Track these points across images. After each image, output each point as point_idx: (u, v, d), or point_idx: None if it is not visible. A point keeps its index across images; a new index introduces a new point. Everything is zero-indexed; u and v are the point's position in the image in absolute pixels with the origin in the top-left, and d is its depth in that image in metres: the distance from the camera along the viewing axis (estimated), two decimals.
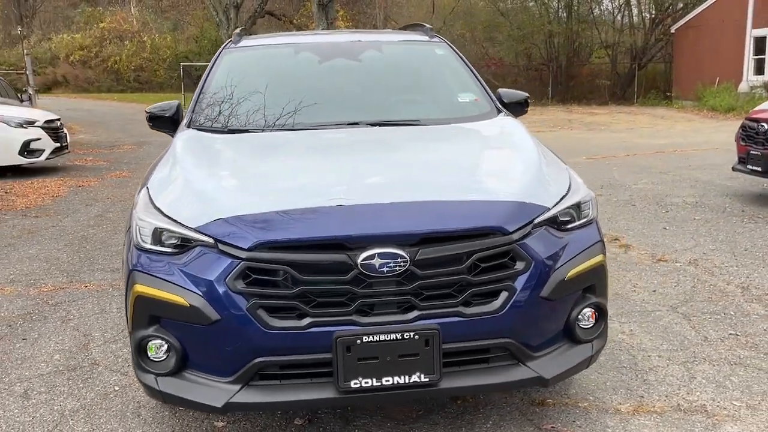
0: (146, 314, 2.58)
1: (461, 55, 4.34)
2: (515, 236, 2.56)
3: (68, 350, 3.97)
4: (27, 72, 23.28)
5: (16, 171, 11.21)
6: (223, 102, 3.84)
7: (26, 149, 10.82)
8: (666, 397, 3.25)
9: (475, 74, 4.15)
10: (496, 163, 3.09)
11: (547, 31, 30.39)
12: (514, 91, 4.26)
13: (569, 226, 2.78)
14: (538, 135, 13.77)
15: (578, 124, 20.14)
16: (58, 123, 11.67)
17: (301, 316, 2.45)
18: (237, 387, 2.50)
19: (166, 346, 2.57)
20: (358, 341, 2.43)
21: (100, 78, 45.33)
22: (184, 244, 2.58)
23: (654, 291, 4.76)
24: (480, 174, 2.95)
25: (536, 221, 2.66)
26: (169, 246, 2.60)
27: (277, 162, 3.17)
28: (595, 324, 2.82)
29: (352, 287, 2.44)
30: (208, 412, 2.53)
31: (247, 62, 4.20)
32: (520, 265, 2.56)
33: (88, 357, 3.87)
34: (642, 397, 3.25)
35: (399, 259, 2.43)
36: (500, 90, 4.19)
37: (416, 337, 2.45)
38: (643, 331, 4.04)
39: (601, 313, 2.82)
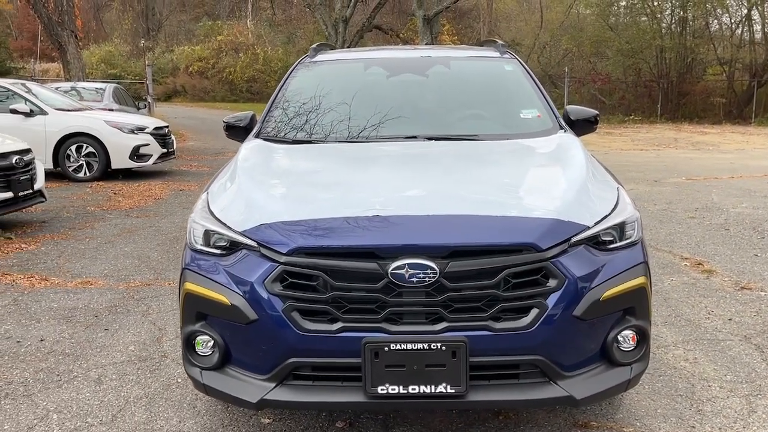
0: (194, 311, 2.76)
1: (530, 71, 4.34)
2: (548, 254, 2.56)
3: (143, 342, 4.25)
4: (147, 81, 24.77)
5: (127, 174, 12.00)
6: (290, 114, 4.02)
7: (136, 154, 11.55)
8: (719, 429, 3.12)
9: (541, 90, 4.14)
10: (542, 179, 3.08)
11: (658, 46, 29.40)
12: (582, 108, 4.22)
13: (611, 246, 2.75)
14: (640, 153, 13.64)
15: (685, 143, 19.36)
16: (166, 130, 12.39)
17: (333, 321, 2.55)
18: (272, 385, 2.62)
19: (211, 342, 2.74)
20: (386, 348, 2.50)
21: (215, 88, 47.62)
22: (232, 247, 2.73)
23: (730, 319, 4.56)
24: (522, 190, 2.95)
25: (574, 240, 2.65)
26: (217, 248, 2.77)
27: (327, 173, 3.30)
28: (635, 347, 2.76)
29: (382, 295, 2.52)
30: (244, 407, 2.67)
31: (319, 76, 4.36)
32: (552, 283, 2.56)
33: (159, 349, 4.13)
34: (693, 427, 3.14)
35: (428, 271, 2.49)
36: (568, 107, 4.16)
37: (443, 348, 2.50)
38: (709, 359, 3.89)
39: (642, 336, 2.77)
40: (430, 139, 3.65)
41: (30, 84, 12.64)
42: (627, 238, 2.80)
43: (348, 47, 24.61)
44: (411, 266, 2.48)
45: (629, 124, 27.86)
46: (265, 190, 3.03)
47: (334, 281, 2.53)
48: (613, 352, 2.71)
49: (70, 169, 11.42)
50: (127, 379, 3.70)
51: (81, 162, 11.42)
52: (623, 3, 32.82)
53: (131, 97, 19.13)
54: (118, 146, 11.44)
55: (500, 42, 4.80)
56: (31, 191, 7.41)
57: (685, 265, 5.97)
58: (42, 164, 8.03)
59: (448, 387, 2.53)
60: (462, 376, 2.52)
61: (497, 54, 4.58)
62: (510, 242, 2.56)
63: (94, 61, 45.10)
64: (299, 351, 2.57)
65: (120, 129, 11.49)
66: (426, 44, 29.45)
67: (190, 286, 2.76)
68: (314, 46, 4.80)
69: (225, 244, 2.76)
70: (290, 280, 2.57)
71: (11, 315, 4.79)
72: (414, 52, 4.68)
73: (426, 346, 2.50)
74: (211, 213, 2.89)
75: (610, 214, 2.80)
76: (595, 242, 2.71)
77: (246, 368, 2.70)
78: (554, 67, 33.38)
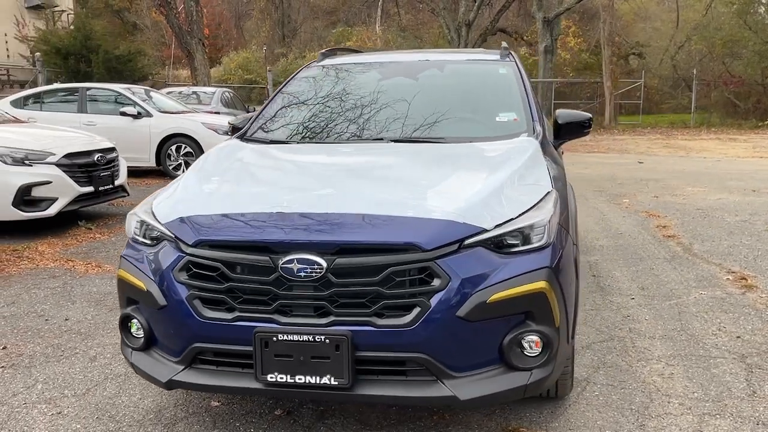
0: (125, 296, 3.03)
1: (524, 75, 4.30)
2: (433, 254, 2.60)
3: None
4: (268, 86, 25.99)
5: None
6: (277, 115, 4.23)
7: None
8: None
9: (527, 94, 4.10)
10: (461, 181, 3.08)
11: None
12: (573, 111, 4.17)
13: (514, 249, 2.74)
14: (756, 161, 12.85)
15: None
16: None
17: (229, 310, 2.72)
18: (181, 367, 2.83)
19: (138, 325, 2.99)
20: (275, 338, 2.64)
21: None
22: (159, 238, 2.97)
23: (738, 337, 4.29)
24: (435, 191, 2.98)
25: (469, 241, 2.67)
26: (148, 238, 3.02)
27: (266, 171, 3.48)
28: (539, 353, 2.74)
29: (274, 288, 2.66)
30: (158, 386, 2.89)
31: (317, 80, 4.54)
32: (436, 283, 2.59)
33: None
34: None
35: (316, 266, 2.61)
36: (558, 111, 4.12)
37: (327, 341, 2.60)
38: (686, 376, 3.70)
39: (546, 343, 2.74)
40: (396, 141, 3.74)
41: (138, 88, 13.73)
42: (532, 242, 2.77)
43: None
44: (299, 261, 2.61)
45: (764, 129, 25.96)
46: (199, 185, 3.24)
47: (231, 273, 2.70)
48: (509, 356, 2.70)
49: (170, 167, 12.28)
50: (118, 359, 4.05)
51: (180, 161, 12.25)
52: (765, 0, 30.64)
53: (240, 101, 20.17)
54: (213, 146, 12.13)
55: (504, 45, 4.78)
56: (111, 186, 8.17)
57: (727, 279, 5.62)
58: (125, 162, 8.73)
59: (332, 379, 2.63)
60: (345, 369, 2.61)
61: (497, 57, 4.57)
62: (394, 241, 2.62)
63: (233, 67, 47.73)
64: (201, 337, 2.77)
65: (215, 130, 12.20)
66: (544, 47, 28.97)
67: (121, 272, 3.03)
68: (324, 50, 4.98)
69: (155, 234, 3.00)
70: (194, 270, 2.77)
71: (54, 296, 5.33)
72: (415, 56, 4.75)
73: (311, 338, 2.61)
74: (151, 206, 3.15)
75: (516, 217, 2.79)
76: (496, 244, 2.71)
77: (164, 351, 2.93)
78: (687, 69, 31.70)
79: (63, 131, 8.53)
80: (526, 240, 2.77)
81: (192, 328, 2.77)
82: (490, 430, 3.16)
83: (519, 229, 2.77)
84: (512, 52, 4.67)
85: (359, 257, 2.62)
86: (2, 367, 3.95)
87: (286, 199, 2.90)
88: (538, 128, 3.83)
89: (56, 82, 18.28)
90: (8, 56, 28.26)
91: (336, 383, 2.64)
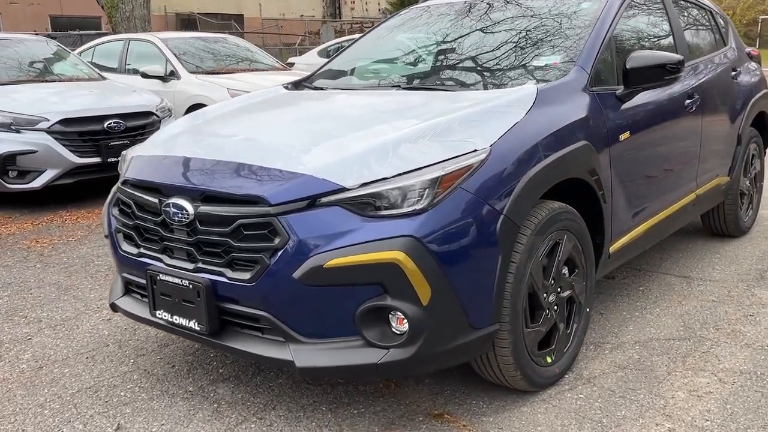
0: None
1: (614, 11, 3.54)
2: (277, 209, 2.43)
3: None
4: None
5: None
6: (341, 59, 4.20)
7: None
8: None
9: (597, 35, 3.38)
10: (369, 133, 2.71)
11: None
12: (654, 52, 3.36)
13: (380, 213, 2.41)
14: None
15: None
16: None
17: (136, 246, 2.90)
18: (120, 294, 3.11)
19: None
20: (159, 277, 2.75)
21: None
22: None
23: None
24: (331, 143, 2.68)
25: (324, 200, 2.43)
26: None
27: (244, 116, 3.46)
28: (403, 332, 2.42)
29: (160, 229, 2.76)
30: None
31: (404, 21, 4.33)
32: (277, 240, 2.43)
33: None
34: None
35: (184, 212, 2.63)
36: (633, 53, 3.35)
37: (191, 286, 2.64)
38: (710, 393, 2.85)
39: (409, 322, 2.39)
40: (408, 88, 3.47)
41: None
42: (401, 207, 2.41)
43: None
44: (174, 205, 2.67)
45: None
46: (180, 127, 3.40)
47: (137, 211, 2.87)
48: (362, 329, 2.43)
49: None
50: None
51: None
52: None
53: None
54: None
55: None
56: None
57: None
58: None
59: (197, 324, 2.67)
60: (205, 316, 2.62)
61: None
62: (244, 193, 2.52)
63: None
64: (123, 267, 3.00)
65: None
66: None
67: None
68: None
69: None
70: (119, 206, 3.00)
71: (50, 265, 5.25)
72: None
73: (180, 281, 2.67)
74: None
75: (390, 177, 2.43)
76: (358, 205, 2.43)
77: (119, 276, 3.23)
78: None
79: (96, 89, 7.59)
80: (395, 203, 2.42)
81: (118, 259, 3.02)
82: (412, 412, 2.86)
83: (387, 190, 2.42)
84: None
85: (216, 206, 2.57)
86: None
87: (206, 143, 2.95)
88: (575, 75, 3.18)
89: None
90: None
91: (198, 328, 2.66)
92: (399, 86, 3.51)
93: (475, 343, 2.58)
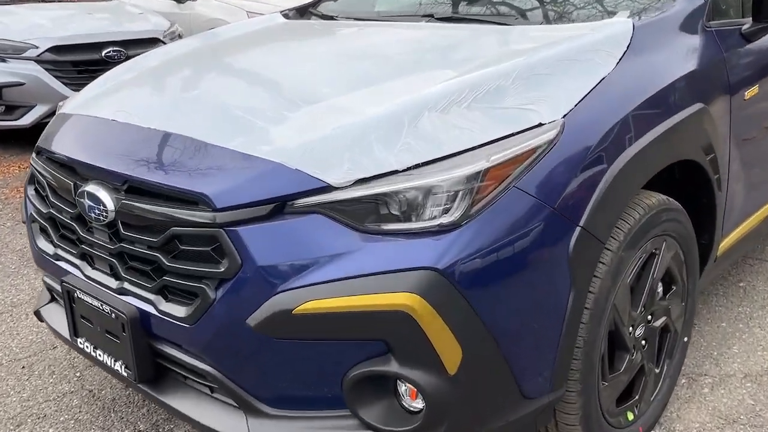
0: None
1: None
2: (222, 217, 1.56)
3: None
4: None
5: None
6: None
7: None
8: None
9: None
10: (377, 98, 1.78)
11: None
12: None
13: (385, 226, 1.52)
14: None
15: None
16: None
17: (53, 244, 2.07)
18: (47, 300, 2.30)
19: None
20: (77, 294, 1.93)
21: None
22: None
23: None
24: (317, 111, 1.77)
25: (299, 203, 1.55)
26: None
27: (223, 60, 2.51)
28: (419, 409, 1.56)
29: (77, 226, 1.93)
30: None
31: None
32: (224, 265, 1.57)
33: None
34: None
35: (102, 206, 1.78)
36: None
37: (113, 315, 1.81)
38: None
39: (424, 398, 1.53)
40: (445, 20, 2.50)
41: None
42: (420, 218, 1.51)
43: None
44: (89, 195, 1.81)
45: None
46: (130, 70, 2.49)
47: (51, 194, 2.03)
48: (353, 403, 1.58)
49: None
50: None
51: None
52: None
53: None
54: None
55: None
56: None
57: None
58: None
59: (123, 367, 1.85)
60: (132, 358, 1.80)
61: None
62: (176, 187, 1.64)
63: None
64: (42, 267, 2.19)
65: None
66: None
67: None
68: None
69: None
70: (36, 185, 2.16)
71: None
72: None
73: (101, 306, 1.85)
74: None
75: (403, 171, 1.53)
76: (351, 213, 1.54)
77: None
78: None
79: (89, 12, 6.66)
80: (409, 214, 1.52)
81: (35, 256, 2.20)
82: None
83: (398, 191, 1.52)
84: None
85: (142, 203, 1.71)
86: None
87: (146, 102, 2.07)
88: (685, 4, 2.17)
89: None
90: None
91: (125, 374, 1.85)
92: (432, 17, 2.54)
93: (528, 417, 1.71)
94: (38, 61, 5.69)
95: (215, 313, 1.59)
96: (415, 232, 1.51)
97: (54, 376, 2.63)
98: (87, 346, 1.97)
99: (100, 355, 1.92)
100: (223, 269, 1.56)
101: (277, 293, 1.51)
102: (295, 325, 1.51)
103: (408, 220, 1.52)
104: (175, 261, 1.65)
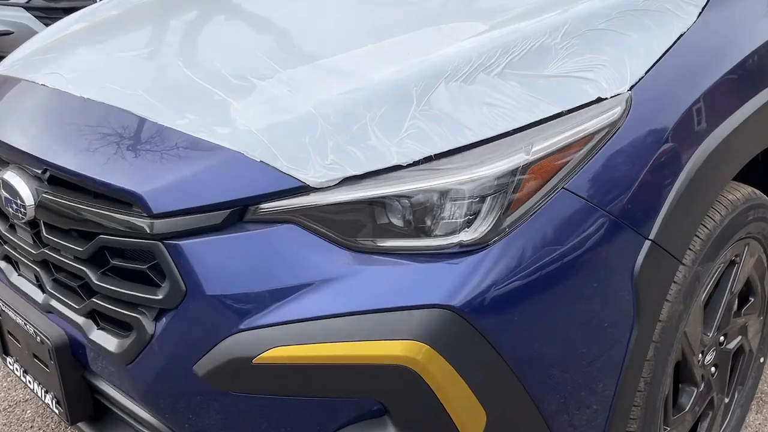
0: None
1: None
2: (160, 225, 1.14)
3: None
4: None
5: None
6: None
7: None
8: None
9: None
10: (373, 61, 1.33)
11: None
12: None
13: (389, 243, 1.10)
14: None
15: None
16: None
17: None
18: None
19: None
20: (2, 307, 1.54)
21: None
22: None
23: None
24: (291, 78, 1.32)
25: (265, 208, 1.12)
26: None
27: (187, 13, 2.05)
28: None
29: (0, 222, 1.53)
30: None
31: None
32: (165, 290, 1.15)
33: None
34: None
35: (18, 198, 1.36)
36: None
37: (38, 338, 1.41)
38: None
39: None
40: None
41: None
42: (443, 233, 1.08)
43: None
44: (5, 185, 1.39)
45: None
46: (92, 17, 2.02)
47: None
48: None
49: None
50: None
51: None
52: None
53: None
54: None
55: None
56: None
57: None
58: None
59: (54, 401, 1.46)
60: (61, 391, 1.41)
61: None
62: (108, 182, 1.21)
63: None
64: None
65: None
66: None
67: None
68: None
69: None
70: None
71: None
72: None
73: (25, 325, 1.45)
74: None
75: (419, 163, 1.09)
76: (336, 225, 1.11)
77: None
78: None
79: None
80: (419, 224, 1.09)
81: None
82: None
83: (400, 195, 1.09)
84: None
85: (66, 199, 1.29)
86: None
87: (87, 63, 1.62)
88: None
89: None
90: None
91: (57, 410, 1.46)
92: None
93: None
94: (27, 7, 5.33)
95: (154, 352, 1.18)
96: (424, 252, 1.08)
97: (8, 380, 2.27)
98: (17, 369, 1.59)
99: (30, 381, 1.54)
100: (161, 296, 1.15)
101: (233, 334, 1.10)
102: (257, 377, 1.10)
103: (415, 235, 1.09)
104: (104, 280, 1.24)
